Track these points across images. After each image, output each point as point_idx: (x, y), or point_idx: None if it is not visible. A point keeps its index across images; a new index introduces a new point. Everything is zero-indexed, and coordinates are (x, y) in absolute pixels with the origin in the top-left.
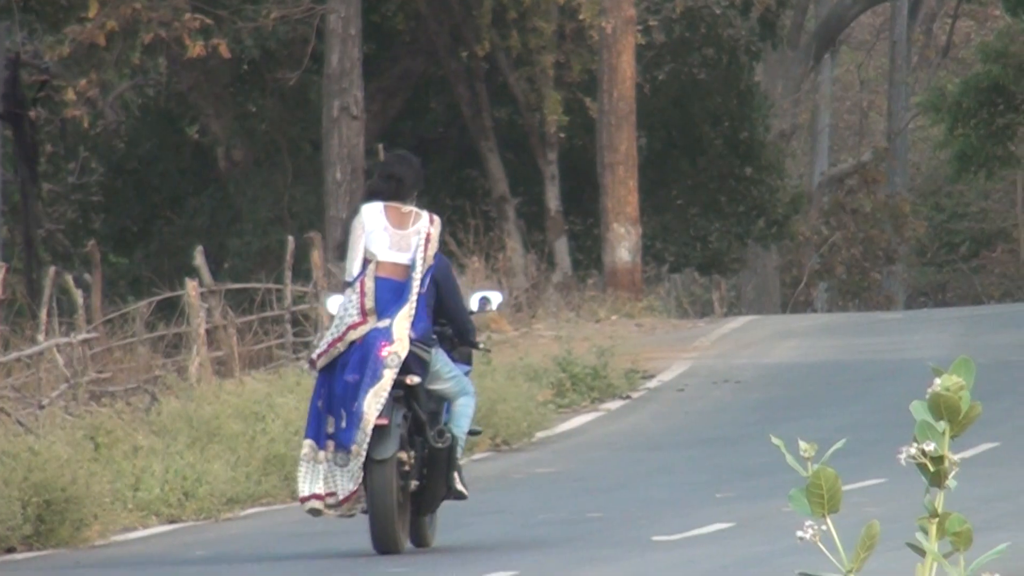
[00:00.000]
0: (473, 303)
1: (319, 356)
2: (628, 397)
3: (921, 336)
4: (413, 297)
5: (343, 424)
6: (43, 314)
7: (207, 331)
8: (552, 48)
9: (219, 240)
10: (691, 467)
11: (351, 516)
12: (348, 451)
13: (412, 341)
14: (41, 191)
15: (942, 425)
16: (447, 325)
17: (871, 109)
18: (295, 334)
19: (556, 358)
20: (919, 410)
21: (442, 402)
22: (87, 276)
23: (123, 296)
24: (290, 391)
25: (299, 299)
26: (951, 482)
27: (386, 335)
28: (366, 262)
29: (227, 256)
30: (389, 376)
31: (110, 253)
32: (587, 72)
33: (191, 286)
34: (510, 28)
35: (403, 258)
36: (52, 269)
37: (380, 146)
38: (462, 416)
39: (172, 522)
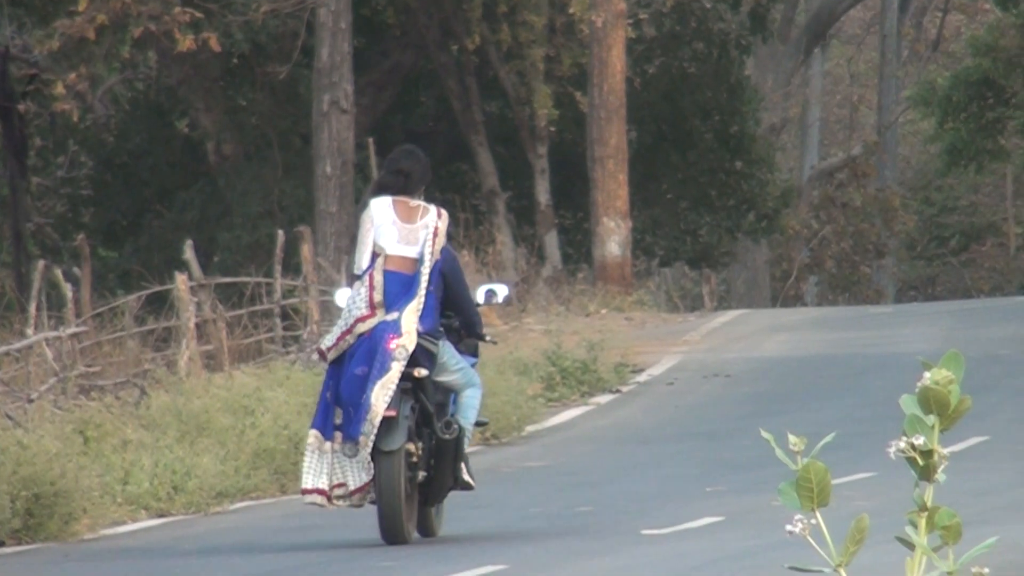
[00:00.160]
0: (479, 296)
1: (329, 349)
2: (618, 391)
3: (911, 330)
4: (421, 291)
5: (350, 415)
6: (32, 308)
7: (197, 325)
8: (542, 42)
9: (209, 234)
10: (681, 461)
11: (359, 507)
12: (356, 442)
13: (420, 334)
14: (30, 185)
15: (932, 419)
16: (454, 317)
17: (861, 103)
18: (285, 328)
19: (546, 352)
20: (909, 404)
21: (449, 393)
22: (76, 270)
23: (112, 290)
24: (279, 385)
25: (289, 293)
26: (940, 476)
27: (394, 328)
28: (375, 256)
29: (217, 250)
30: (397, 368)
31: (99, 247)
32: (577, 66)
33: (181, 280)
34: (500, 22)
35: (411, 252)
36: (41, 263)
37: (370, 140)
38: (469, 407)
39: (161, 516)
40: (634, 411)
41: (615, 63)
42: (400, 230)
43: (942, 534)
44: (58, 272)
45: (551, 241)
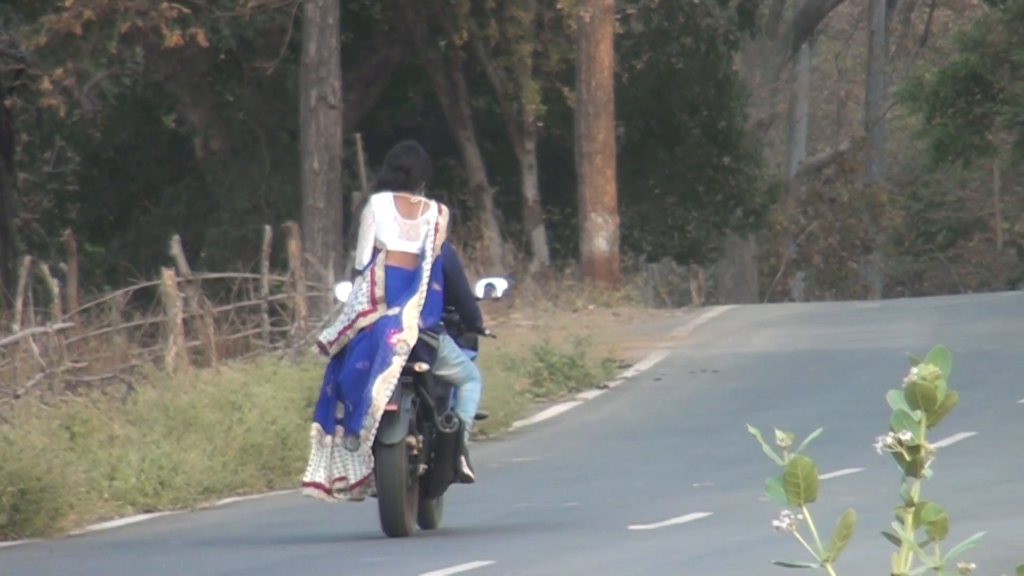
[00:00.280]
0: (479, 290)
1: (331, 343)
2: (605, 386)
3: (898, 325)
4: (422, 286)
5: (351, 409)
6: (19, 303)
7: (184, 320)
8: (530, 37)
9: (196, 229)
10: (668, 456)
11: (360, 500)
12: (357, 436)
13: (421, 329)
14: (17, 180)
15: (918, 414)
16: (454, 311)
17: (849, 98)
18: (272, 324)
19: (533, 347)
20: (896, 399)
21: (449, 387)
22: (63, 265)
23: (99, 285)
24: (267, 380)
25: (276, 288)
26: (927, 471)
27: (395, 323)
28: (376, 251)
29: (204, 245)
30: (398, 363)
31: (86, 242)
32: (565, 61)
33: (168, 275)
34: (488, 17)
35: (412, 247)
36: (28, 258)
37: (358, 136)
38: (469, 401)
39: (148, 511)
40: (621, 407)
41: (603, 58)
42: (401, 226)
43: (928, 529)
44: (45, 268)
45: (539, 237)
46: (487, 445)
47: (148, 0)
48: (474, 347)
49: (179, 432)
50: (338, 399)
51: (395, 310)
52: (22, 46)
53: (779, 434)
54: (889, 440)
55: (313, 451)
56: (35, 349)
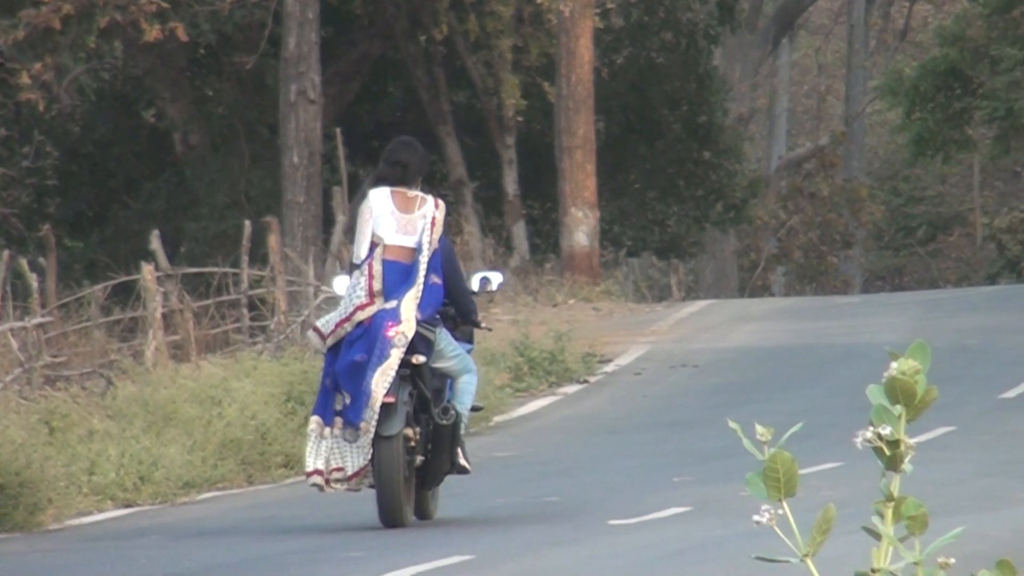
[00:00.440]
0: (474, 283)
1: (328, 334)
2: (585, 381)
3: (878, 320)
4: (420, 279)
5: (348, 401)
6: None
7: (163, 315)
8: (510, 32)
9: (176, 224)
10: (648, 451)
11: (358, 491)
12: (357, 428)
13: (418, 322)
14: None
15: (898, 409)
16: (450, 305)
17: (829, 93)
18: (252, 318)
19: (513, 342)
20: (875, 394)
21: (445, 380)
22: (42, 260)
23: (78, 280)
24: (246, 375)
25: (256, 283)
26: (907, 466)
27: (393, 316)
28: (373, 245)
29: (184, 240)
30: (396, 355)
31: (65, 237)
32: (545, 56)
33: (147, 270)
34: (468, 12)
35: (409, 241)
36: (6, 253)
37: (338, 130)
38: (465, 393)
39: (128, 506)
40: (602, 401)
41: (583, 53)
42: (398, 220)
43: (908, 524)
44: (23, 262)
45: (519, 231)
46: (467, 440)
47: None
48: (470, 340)
49: (159, 427)
50: (336, 391)
51: (393, 303)
52: (0, 40)
53: (759, 429)
54: (869, 435)
55: (311, 442)
56: (14, 344)
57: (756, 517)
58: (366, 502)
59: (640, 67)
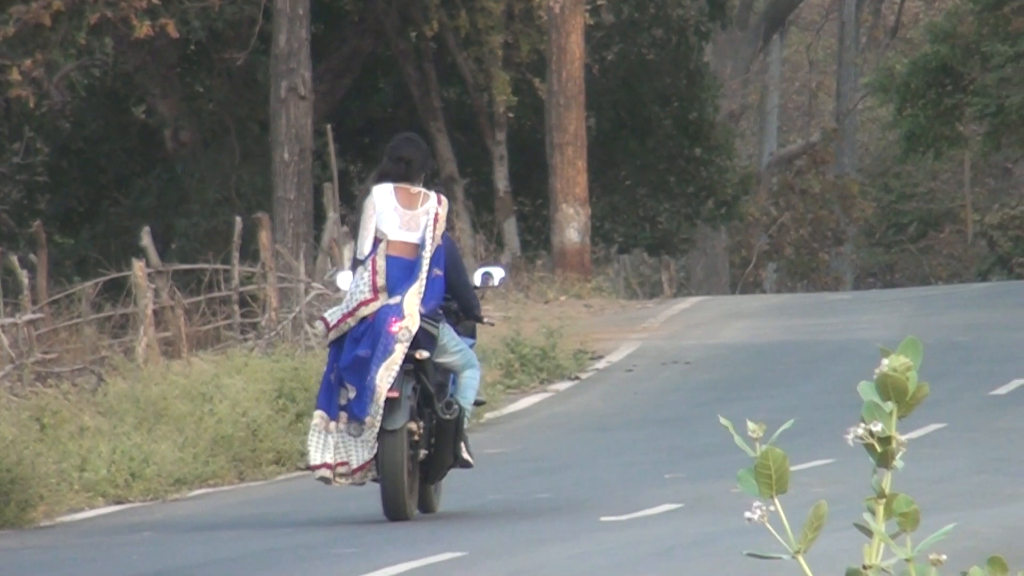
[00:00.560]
0: (476, 278)
1: (332, 328)
2: (577, 378)
3: (869, 317)
4: (423, 275)
5: (353, 396)
6: None
7: (154, 312)
8: (500, 28)
9: (166, 221)
10: (640, 448)
11: (362, 484)
12: (362, 422)
13: (421, 317)
14: None
15: (889, 406)
16: (452, 300)
17: (820, 90)
18: (243, 315)
19: (505, 339)
20: (867, 390)
21: (448, 374)
22: (32, 257)
23: (69, 277)
24: (238, 372)
25: (247, 280)
26: (898, 463)
27: (397, 311)
28: (377, 241)
29: (174, 237)
30: (400, 351)
31: (56, 233)
32: (536, 52)
33: (138, 267)
34: (458, 8)
35: (413, 237)
36: None
37: (328, 126)
38: (468, 388)
39: (119, 503)
40: (593, 398)
41: (573, 49)
42: (402, 216)
43: (900, 521)
44: (14, 259)
45: (510, 228)
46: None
47: None
48: (472, 335)
49: (150, 423)
50: (341, 386)
51: (396, 299)
52: None
53: (751, 425)
54: (860, 431)
55: (313, 436)
56: (4, 340)
57: (748, 514)
58: (357, 499)
59: (631, 63)
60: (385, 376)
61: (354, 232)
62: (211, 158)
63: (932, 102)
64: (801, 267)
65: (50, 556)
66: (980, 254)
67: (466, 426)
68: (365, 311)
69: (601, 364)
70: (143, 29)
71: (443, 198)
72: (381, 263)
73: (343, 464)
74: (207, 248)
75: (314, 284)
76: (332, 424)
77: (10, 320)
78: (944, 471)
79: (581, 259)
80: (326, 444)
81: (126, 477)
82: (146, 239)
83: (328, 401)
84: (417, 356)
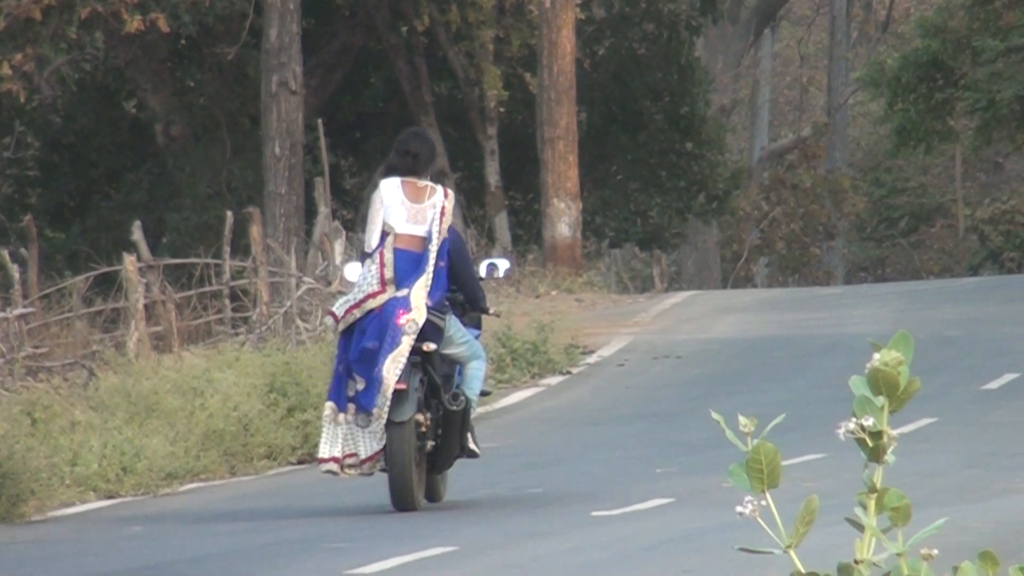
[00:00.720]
0: (481, 270)
1: (340, 319)
2: (568, 372)
3: (860, 311)
4: (430, 268)
5: (361, 387)
6: None
7: (145, 306)
8: (491, 23)
9: (157, 215)
10: (631, 442)
11: (370, 475)
12: (369, 414)
13: (428, 309)
14: None
15: (881, 400)
16: (458, 292)
17: (811, 84)
18: (234, 309)
19: (496, 333)
20: (858, 385)
21: (455, 365)
22: (23, 251)
23: (60, 271)
24: (229, 366)
25: (238, 274)
26: (890, 457)
27: (404, 304)
28: (384, 234)
29: (165, 231)
30: (407, 343)
31: (47, 228)
32: (527, 47)
33: (129, 261)
34: (449, 3)
35: (420, 230)
36: None
37: (319, 121)
38: (474, 379)
39: (110, 497)
40: (584, 392)
41: (564, 44)
42: (409, 210)
43: (891, 515)
44: (5, 253)
45: (501, 222)
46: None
47: None
48: (478, 326)
49: (141, 418)
50: (349, 377)
51: (404, 291)
52: None
53: (742, 420)
54: (852, 426)
55: (325, 428)
56: None
57: (739, 508)
58: (349, 494)
59: (622, 58)
60: (392, 368)
61: (347, 226)
62: (202, 152)
63: (923, 97)
64: (792, 262)
65: (41, 550)
66: (971, 248)
67: (472, 416)
68: (372, 303)
69: (592, 359)
70: (134, 23)
71: (449, 192)
72: (389, 256)
73: (351, 455)
74: (198, 242)
75: (305, 278)
76: (341, 415)
77: (1, 314)
78: (935, 466)
79: (572, 254)
80: (335, 436)
81: (117, 471)
82: (137, 233)
83: (338, 392)
84: (424, 348)
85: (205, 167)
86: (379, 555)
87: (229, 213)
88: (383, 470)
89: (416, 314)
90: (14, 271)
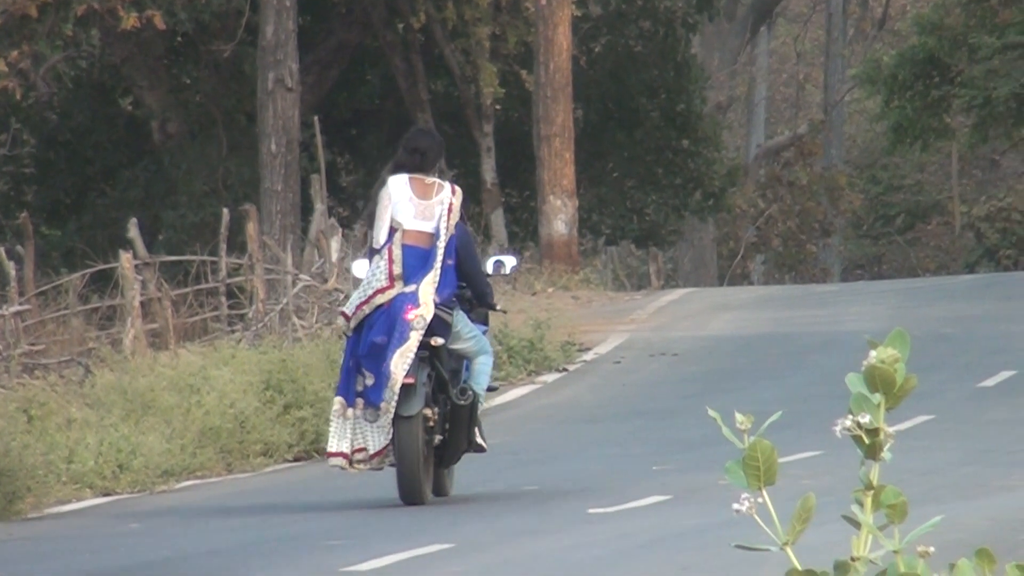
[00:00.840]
0: (488, 266)
1: (351, 316)
2: (565, 370)
3: (857, 308)
4: (438, 264)
5: (370, 382)
6: None
7: (141, 303)
8: (488, 20)
9: (153, 212)
10: (628, 440)
11: (380, 469)
12: (378, 408)
13: (436, 305)
14: None
15: (877, 397)
16: (466, 288)
17: (807, 81)
18: (230, 306)
19: (492, 331)
20: (855, 382)
21: (462, 360)
22: (19, 248)
23: (56, 268)
24: (225, 363)
25: (234, 271)
26: (886, 454)
27: (412, 299)
28: (392, 231)
29: (162, 228)
30: (415, 338)
31: (43, 225)
32: (523, 44)
33: (125, 258)
34: (445, 0)
35: (427, 227)
36: None
37: (316, 118)
38: (481, 374)
39: (106, 494)
40: (581, 390)
41: (561, 41)
42: (416, 206)
43: (888, 513)
44: (1, 250)
45: (497, 220)
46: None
47: None
48: (485, 322)
49: (137, 415)
50: (358, 372)
51: (412, 287)
52: None
53: (739, 417)
54: (848, 423)
55: (333, 423)
56: None
57: (736, 505)
58: (346, 491)
59: (618, 55)
60: (400, 363)
61: (344, 223)
62: (198, 150)
63: (919, 94)
64: (789, 259)
65: (37, 548)
66: (967, 246)
67: (480, 411)
68: (381, 299)
69: (589, 356)
70: (130, 21)
71: (457, 188)
72: (397, 252)
73: (361, 450)
74: (194, 240)
75: (301, 276)
76: (350, 411)
77: None
78: (932, 463)
79: (569, 251)
80: (343, 431)
81: (113, 469)
82: (133, 231)
83: (347, 388)
84: (432, 343)
85: (201, 164)
86: (375, 552)
87: (225, 210)
88: (392, 465)
89: (424, 310)
90: (10, 268)
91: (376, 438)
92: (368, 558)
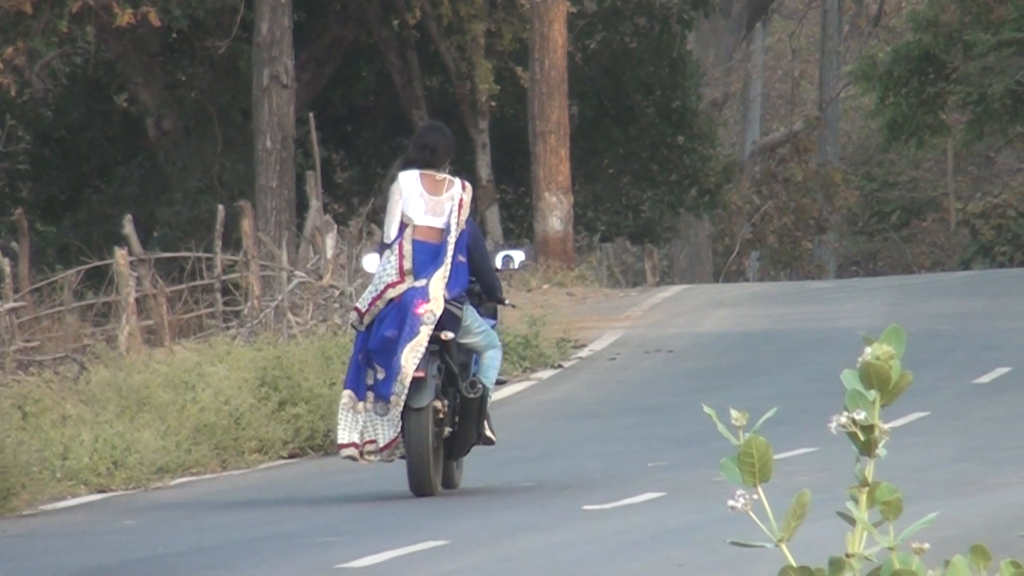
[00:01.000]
0: (497, 261)
1: (365, 313)
2: (560, 366)
3: (852, 305)
4: (448, 259)
5: (380, 376)
6: None
7: (137, 300)
8: (483, 17)
9: (149, 209)
10: (623, 436)
11: (390, 461)
12: (387, 401)
13: (446, 299)
14: None
15: (872, 394)
16: (475, 282)
17: (803, 78)
18: (225, 303)
19: None
20: (850, 379)
21: (471, 354)
22: (14, 245)
23: (51, 265)
24: (220, 360)
25: (229, 268)
26: (881, 451)
27: (422, 294)
28: (403, 226)
29: (157, 225)
30: (425, 332)
31: (38, 222)
32: (518, 41)
33: (120, 255)
34: None
35: (438, 222)
36: None
37: (311, 115)
38: (490, 367)
39: (101, 491)
40: (576, 386)
41: (556, 38)
42: (427, 202)
43: (883, 509)
44: None
45: (492, 216)
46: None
47: None
48: (494, 316)
49: (132, 412)
50: (369, 366)
51: (422, 282)
52: None
53: (734, 414)
54: (843, 420)
55: (342, 415)
56: None
57: (731, 502)
58: (342, 487)
59: (614, 52)
60: (411, 357)
61: (339, 219)
62: (193, 146)
63: (915, 90)
64: (784, 255)
65: (32, 544)
66: (963, 242)
67: (488, 404)
68: (392, 293)
69: (584, 352)
70: (125, 17)
71: (467, 184)
72: (408, 247)
73: (371, 442)
74: (189, 236)
75: (296, 272)
76: (360, 404)
77: None
78: (927, 459)
79: (564, 247)
80: (354, 424)
81: (108, 465)
82: (128, 227)
83: (356, 381)
84: (442, 337)
85: (196, 161)
86: (370, 549)
87: (220, 207)
88: (402, 457)
89: (434, 304)
90: (5, 265)
91: (386, 431)
92: (363, 555)
